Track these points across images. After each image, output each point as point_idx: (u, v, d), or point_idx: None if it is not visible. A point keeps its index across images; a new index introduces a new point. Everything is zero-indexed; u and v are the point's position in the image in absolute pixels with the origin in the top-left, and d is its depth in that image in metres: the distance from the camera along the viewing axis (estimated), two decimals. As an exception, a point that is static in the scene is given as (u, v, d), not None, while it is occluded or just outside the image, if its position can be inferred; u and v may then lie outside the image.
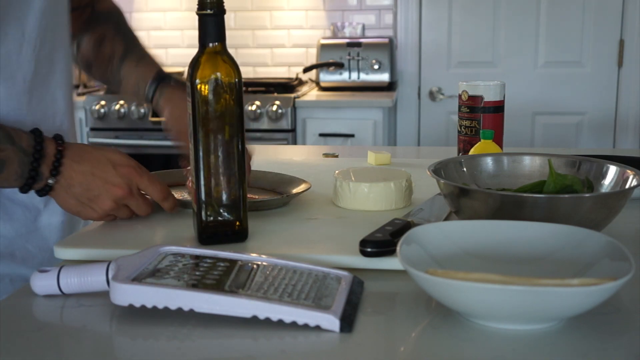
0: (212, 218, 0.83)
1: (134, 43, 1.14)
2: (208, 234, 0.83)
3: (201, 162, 0.81)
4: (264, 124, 2.84)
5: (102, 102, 2.89)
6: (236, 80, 0.81)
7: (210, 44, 0.82)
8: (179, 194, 1.04)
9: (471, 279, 0.62)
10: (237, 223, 0.84)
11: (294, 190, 1.04)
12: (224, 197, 0.82)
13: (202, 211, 0.82)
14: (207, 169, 0.81)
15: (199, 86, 0.80)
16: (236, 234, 0.84)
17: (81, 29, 1.15)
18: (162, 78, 1.08)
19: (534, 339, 0.61)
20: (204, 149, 0.81)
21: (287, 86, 3.03)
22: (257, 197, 1.01)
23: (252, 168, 1.12)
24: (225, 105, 0.81)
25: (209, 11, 0.81)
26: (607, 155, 1.09)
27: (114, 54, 1.12)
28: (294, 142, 2.87)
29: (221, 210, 0.83)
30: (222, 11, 0.82)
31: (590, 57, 3.07)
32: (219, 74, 0.81)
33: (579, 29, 3.06)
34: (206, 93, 0.80)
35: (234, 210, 0.83)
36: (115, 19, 1.16)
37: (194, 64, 0.81)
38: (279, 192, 1.06)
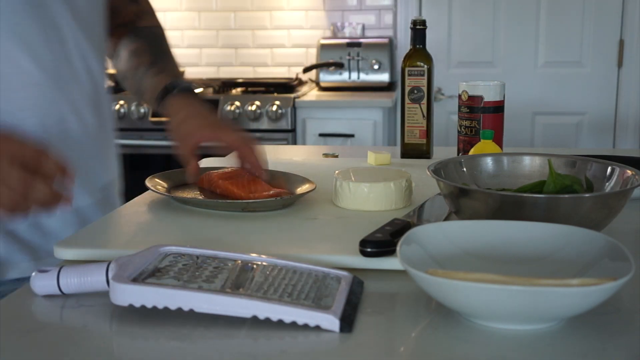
0: None
1: (161, 56, 1.19)
2: None
3: None
4: (264, 124, 2.84)
5: (102, 102, 2.89)
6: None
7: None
8: (181, 193, 1.04)
9: (471, 279, 0.62)
10: None
11: (297, 191, 1.04)
12: None
13: None
14: None
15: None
16: None
17: (121, 43, 1.21)
18: (173, 86, 1.11)
19: (534, 339, 0.61)
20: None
21: (287, 86, 3.03)
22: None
23: (274, 169, 1.13)
24: None
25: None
26: (607, 155, 1.09)
27: (140, 65, 1.16)
28: (294, 142, 2.87)
29: None
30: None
31: (590, 57, 3.07)
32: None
33: (579, 29, 3.06)
34: None
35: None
36: (153, 35, 1.22)
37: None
38: (290, 193, 1.06)
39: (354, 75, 3.06)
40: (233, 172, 1.06)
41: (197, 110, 1.08)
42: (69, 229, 1.03)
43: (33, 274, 0.71)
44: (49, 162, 0.78)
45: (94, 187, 1.10)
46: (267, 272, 0.69)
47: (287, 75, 3.35)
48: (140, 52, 1.18)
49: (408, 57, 1.40)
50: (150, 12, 1.25)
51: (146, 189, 1.06)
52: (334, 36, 3.23)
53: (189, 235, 0.88)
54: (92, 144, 1.09)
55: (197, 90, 1.14)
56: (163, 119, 1.10)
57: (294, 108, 2.85)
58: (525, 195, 0.81)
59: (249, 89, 3.03)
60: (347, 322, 0.63)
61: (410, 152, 1.42)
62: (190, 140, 1.04)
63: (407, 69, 1.39)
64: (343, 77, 3.07)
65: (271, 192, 1.01)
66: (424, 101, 1.40)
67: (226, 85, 3.09)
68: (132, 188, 1.21)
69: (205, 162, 1.27)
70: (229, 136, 1.04)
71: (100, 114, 1.10)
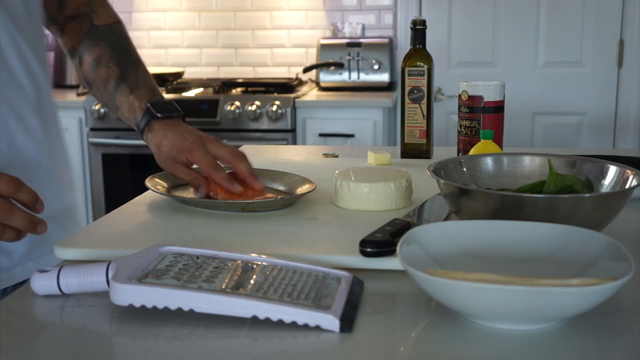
0: None
1: (129, 67, 1.12)
2: None
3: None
4: (264, 124, 2.84)
5: (102, 102, 2.89)
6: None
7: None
8: (181, 193, 1.04)
9: (471, 279, 0.62)
10: None
11: (297, 191, 1.04)
12: None
13: None
14: None
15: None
16: None
17: (81, 43, 1.14)
18: (150, 111, 1.06)
19: (534, 339, 0.61)
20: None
21: (287, 86, 3.03)
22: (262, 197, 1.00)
23: (272, 168, 1.13)
24: None
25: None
26: (607, 155, 1.09)
27: (110, 78, 1.10)
28: (294, 142, 2.87)
29: None
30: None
31: (590, 57, 3.07)
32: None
33: (579, 29, 3.06)
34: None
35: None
36: (115, 37, 1.15)
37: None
38: (290, 193, 1.06)
39: (354, 75, 3.06)
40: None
41: (176, 134, 1.04)
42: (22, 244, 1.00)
43: (33, 274, 0.71)
44: (23, 190, 0.79)
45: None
46: (267, 272, 0.69)
47: (287, 75, 3.35)
48: (105, 60, 1.11)
49: (408, 57, 1.40)
50: (100, 1, 1.17)
51: (146, 189, 1.06)
52: (334, 36, 3.23)
53: (189, 235, 0.88)
54: (41, 155, 1.03)
55: (178, 109, 1.09)
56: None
57: (294, 108, 2.85)
58: (525, 195, 0.81)
59: (249, 89, 3.03)
60: (347, 322, 0.63)
61: (410, 152, 1.42)
62: (178, 166, 1.03)
63: (407, 69, 1.39)
64: (343, 77, 3.07)
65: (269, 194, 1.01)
66: (424, 101, 1.40)
67: (226, 85, 3.09)
68: (132, 188, 1.20)
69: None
70: (201, 159, 1.01)
71: (46, 120, 1.04)
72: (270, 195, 1.02)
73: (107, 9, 1.18)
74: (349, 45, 3.06)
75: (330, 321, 0.62)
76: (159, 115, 1.06)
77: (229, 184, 0.99)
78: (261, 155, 1.49)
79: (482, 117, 1.29)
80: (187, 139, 1.03)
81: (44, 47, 1.06)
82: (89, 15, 1.15)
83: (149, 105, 1.07)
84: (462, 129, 1.32)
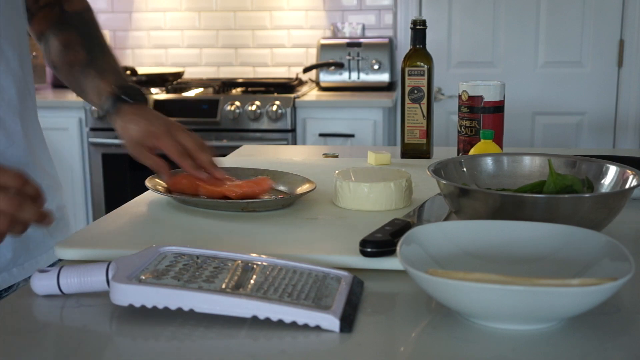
0: None
1: (97, 52, 1.13)
2: None
3: None
4: (264, 124, 2.84)
5: (102, 102, 2.89)
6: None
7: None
8: (181, 193, 1.04)
9: (471, 279, 0.62)
10: None
11: (297, 191, 1.04)
12: None
13: None
14: None
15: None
16: None
17: (50, 28, 1.14)
18: (118, 95, 1.07)
19: (534, 339, 0.61)
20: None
21: (287, 86, 3.03)
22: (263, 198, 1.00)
23: (272, 168, 1.14)
24: None
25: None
26: (607, 155, 1.09)
27: (76, 62, 1.11)
28: (294, 142, 2.87)
29: None
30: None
31: (590, 57, 3.07)
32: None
33: (579, 29, 3.05)
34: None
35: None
36: (84, 23, 1.15)
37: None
38: (290, 194, 1.06)
39: (354, 75, 3.06)
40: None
41: (142, 118, 1.05)
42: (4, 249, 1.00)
43: (33, 274, 0.71)
44: (29, 184, 0.79)
45: None
46: (267, 272, 0.69)
47: (287, 75, 3.35)
48: (73, 45, 1.12)
49: (408, 57, 1.40)
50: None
51: (146, 189, 1.06)
52: (334, 36, 3.23)
53: (189, 235, 0.88)
54: (23, 158, 1.01)
55: (143, 94, 1.10)
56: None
57: (294, 108, 2.85)
58: (525, 195, 0.81)
59: (249, 89, 3.03)
60: (347, 322, 0.63)
61: (410, 152, 1.42)
62: (142, 149, 1.03)
63: (407, 69, 1.39)
64: (343, 77, 3.07)
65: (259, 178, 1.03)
66: (424, 101, 1.40)
67: (226, 85, 3.09)
68: (132, 188, 1.20)
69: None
70: (169, 146, 1.01)
71: (28, 122, 1.04)
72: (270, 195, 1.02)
73: None
74: (349, 45, 3.06)
75: (330, 321, 0.62)
76: (126, 99, 1.07)
77: (195, 171, 1.01)
78: (261, 155, 1.49)
79: (482, 117, 1.29)
80: (155, 124, 1.04)
81: (27, 46, 1.05)
82: (60, 1, 1.15)
83: (116, 88, 1.07)
84: (462, 129, 1.32)
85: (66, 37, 1.13)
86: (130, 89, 1.08)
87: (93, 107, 2.87)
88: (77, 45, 1.12)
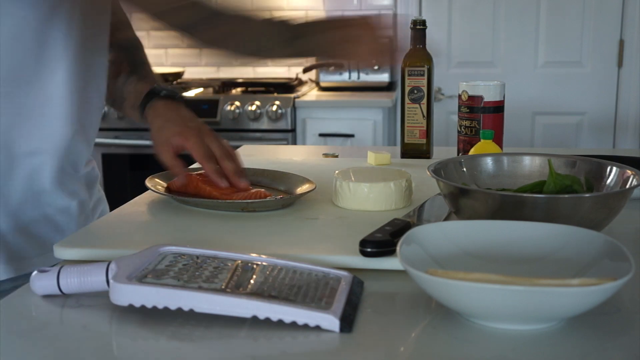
0: None
1: (140, 64, 1.19)
2: None
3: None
4: (264, 124, 2.84)
5: (102, 102, 2.90)
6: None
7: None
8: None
9: (471, 279, 0.62)
10: None
11: (297, 191, 1.04)
12: None
13: None
14: None
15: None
16: None
17: None
18: (155, 92, 1.10)
19: (534, 339, 0.61)
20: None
21: (287, 86, 3.03)
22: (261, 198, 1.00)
23: (274, 168, 1.14)
24: None
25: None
26: (607, 155, 1.09)
27: (121, 73, 1.16)
28: (294, 142, 2.87)
29: None
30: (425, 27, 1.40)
31: (590, 57, 3.07)
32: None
33: (579, 29, 3.05)
34: None
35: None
36: (130, 45, 1.22)
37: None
38: (290, 193, 1.06)
39: (354, 75, 3.06)
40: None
41: (177, 116, 1.07)
42: (75, 224, 1.05)
43: (33, 274, 0.71)
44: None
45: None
46: (267, 272, 0.69)
47: (287, 75, 3.35)
48: (118, 61, 1.17)
49: (408, 57, 1.40)
50: (127, 23, 1.24)
51: (146, 188, 1.05)
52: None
53: (189, 235, 0.88)
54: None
55: (181, 94, 1.14)
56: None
57: (294, 108, 2.85)
58: (525, 195, 0.81)
59: (249, 89, 3.03)
60: (347, 322, 0.63)
61: (410, 152, 1.42)
62: (167, 148, 1.04)
63: (407, 69, 1.40)
64: (343, 77, 3.07)
65: (252, 190, 1.01)
66: (424, 101, 1.40)
67: (226, 85, 3.09)
68: (132, 188, 1.20)
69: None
70: (196, 147, 1.02)
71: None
72: (270, 194, 1.01)
73: (128, 27, 1.24)
74: (349, 45, 3.06)
75: (330, 321, 0.62)
76: (162, 93, 1.09)
77: (217, 176, 1.01)
78: (261, 155, 1.49)
79: (482, 117, 1.29)
80: (188, 125, 1.05)
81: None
82: (112, 33, 1.19)
83: (155, 87, 1.11)
84: (462, 129, 1.32)
85: (112, 56, 1.16)
86: (168, 89, 1.12)
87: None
88: (122, 61, 1.17)
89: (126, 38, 1.22)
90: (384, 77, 3.05)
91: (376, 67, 3.02)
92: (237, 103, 2.85)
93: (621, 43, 3.05)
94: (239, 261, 0.72)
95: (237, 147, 1.61)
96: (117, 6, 1.19)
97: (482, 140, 1.16)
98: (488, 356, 0.58)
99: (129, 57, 1.18)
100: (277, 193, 1.06)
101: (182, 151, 1.04)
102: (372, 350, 0.60)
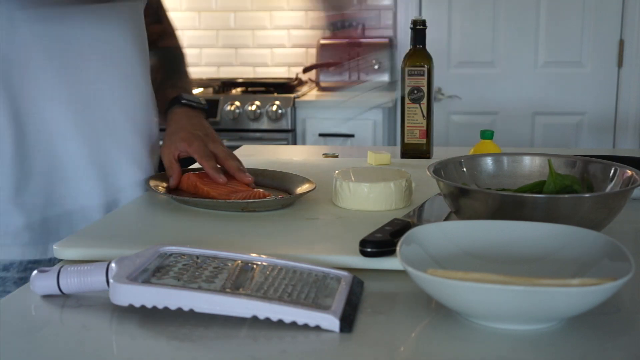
0: None
1: (176, 73, 1.25)
2: None
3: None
4: (264, 124, 2.84)
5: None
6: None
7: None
8: (181, 193, 1.04)
9: (471, 279, 0.62)
10: None
11: (297, 191, 1.04)
12: None
13: None
14: None
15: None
16: None
17: None
18: (177, 100, 1.15)
19: (534, 339, 0.61)
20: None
21: (287, 86, 3.03)
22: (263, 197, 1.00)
23: (274, 168, 1.15)
24: None
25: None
26: (607, 155, 1.09)
27: (155, 80, 1.19)
28: (294, 142, 2.87)
29: None
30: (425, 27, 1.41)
31: (590, 57, 3.07)
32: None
33: (579, 29, 3.05)
34: None
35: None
36: (172, 54, 1.26)
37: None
38: (290, 193, 1.06)
39: (354, 75, 3.06)
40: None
41: (188, 123, 1.12)
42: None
43: (33, 274, 0.71)
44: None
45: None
46: (267, 272, 0.69)
47: (287, 75, 3.35)
48: (156, 68, 1.21)
49: (408, 57, 1.40)
50: (172, 33, 1.29)
51: (146, 189, 1.05)
52: (334, 36, 3.23)
53: (189, 235, 0.88)
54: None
55: (203, 104, 1.19)
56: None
57: (294, 108, 2.85)
58: (525, 195, 0.81)
59: (249, 89, 3.03)
60: (347, 322, 0.63)
61: (410, 152, 1.42)
62: (171, 150, 1.07)
63: (407, 69, 1.40)
64: (343, 77, 3.07)
65: (252, 190, 1.02)
66: (424, 101, 1.40)
67: (226, 85, 3.09)
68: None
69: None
70: (197, 149, 1.06)
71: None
72: (270, 194, 1.01)
73: (173, 36, 1.30)
74: (349, 45, 3.06)
75: (330, 321, 0.62)
76: (183, 101, 1.15)
77: (215, 172, 1.04)
78: (261, 155, 1.49)
79: None
80: (195, 131, 1.09)
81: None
82: (156, 40, 1.25)
83: (180, 94, 1.16)
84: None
85: (152, 62, 1.20)
86: (191, 98, 1.17)
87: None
88: (159, 69, 1.23)
89: (168, 47, 1.27)
90: (384, 77, 3.05)
91: (376, 67, 3.03)
92: (237, 103, 2.85)
93: (621, 43, 3.05)
94: (239, 261, 0.72)
95: (237, 147, 1.61)
96: (164, 16, 1.26)
97: (482, 140, 1.16)
98: (488, 356, 0.58)
99: (167, 65, 1.24)
100: (277, 193, 1.06)
101: (185, 155, 1.07)
102: (372, 350, 0.60)
